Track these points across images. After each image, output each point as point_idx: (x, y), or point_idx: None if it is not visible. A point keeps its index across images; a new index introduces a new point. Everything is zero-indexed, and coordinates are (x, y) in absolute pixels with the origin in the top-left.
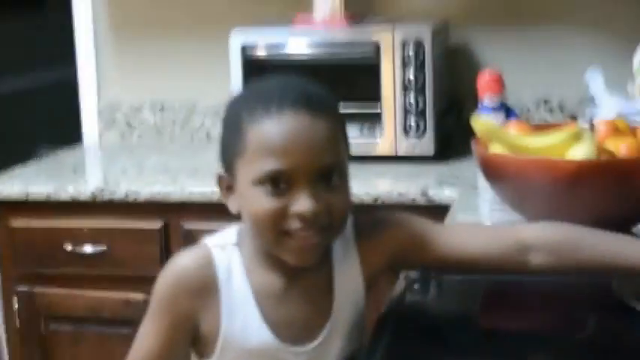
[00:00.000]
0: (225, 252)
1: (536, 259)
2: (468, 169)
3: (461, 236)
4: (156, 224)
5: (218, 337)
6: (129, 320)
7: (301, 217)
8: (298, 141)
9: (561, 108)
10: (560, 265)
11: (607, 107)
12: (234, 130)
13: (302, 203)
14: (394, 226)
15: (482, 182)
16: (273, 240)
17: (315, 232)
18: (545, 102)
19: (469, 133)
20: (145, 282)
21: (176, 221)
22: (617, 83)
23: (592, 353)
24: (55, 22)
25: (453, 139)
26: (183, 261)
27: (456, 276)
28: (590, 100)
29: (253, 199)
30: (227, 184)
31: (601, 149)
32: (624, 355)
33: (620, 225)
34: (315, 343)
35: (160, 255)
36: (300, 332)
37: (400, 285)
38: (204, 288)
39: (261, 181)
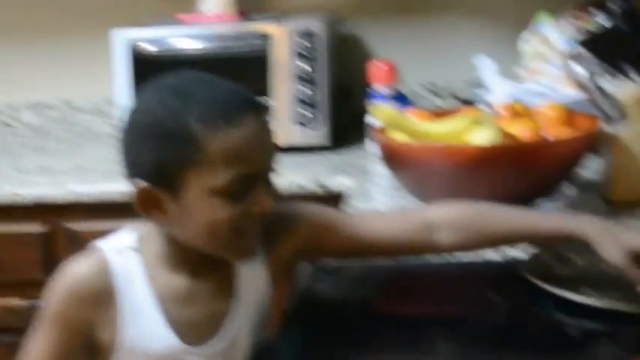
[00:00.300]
0: (123, 257)
1: (445, 238)
2: (362, 157)
3: (368, 222)
4: (38, 227)
5: (119, 346)
6: (12, 328)
7: (262, 216)
8: (258, 143)
9: (448, 92)
10: (469, 241)
11: (498, 91)
12: (179, 139)
13: (265, 202)
14: (299, 218)
15: (378, 169)
16: (226, 244)
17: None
18: (434, 87)
19: (360, 122)
20: (28, 288)
21: (60, 223)
22: (505, 67)
23: (500, 335)
24: None
25: (345, 129)
26: (76, 269)
27: (361, 263)
28: (480, 85)
29: (211, 209)
30: (151, 198)
31: (501, 133)
32: (533, 336)
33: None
34: (221, 341)
35: (44, 260)
36: (206, 333)
37: (305, 276)
38: (100, 297)
39: (226, 189)
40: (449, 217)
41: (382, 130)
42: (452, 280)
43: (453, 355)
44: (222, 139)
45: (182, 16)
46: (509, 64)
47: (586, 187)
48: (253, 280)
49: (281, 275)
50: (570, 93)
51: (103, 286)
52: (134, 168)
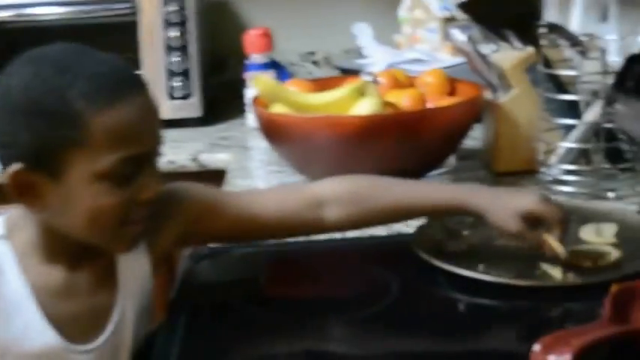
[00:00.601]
0: None
1: (332, 214)
2: (241, 131)
3: (252, 199)
4: None
5: None
6: None
7: (147, 203)
8: (144, 124)
9: (327, 61)
10: (358, 216)
11: (377, 59)
12: (60, 118)
13: (152, 187)
14: (181, 201)
15: (258, 144)
16: (110, 234)
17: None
18: (311, 55)
19: (236, 94)
20: None
21: None
22: (385, 35)
23: (393, 316)
24: None
25: (219, 101)
26: None
27: (246, 247)
28: (359, 54)
29: (95, 194)
30: (26, 181)
31: (384, 102)
32: (427, 315)
33: (408, 177)
34: (105, 336)
35: None
36: (88, 328)
37: (187, 262)
38: None
39: (111, 173)
40: (336, 191)
41: (261, 102)
42: (338, 259)
43: (346, 339)
44: (107, 118)
45: None
46: (389, 31)
47: (470, 156)
48: (135, 269)
49: (163, 263)
50: (449, 59)
51: None
52: (8, 149)
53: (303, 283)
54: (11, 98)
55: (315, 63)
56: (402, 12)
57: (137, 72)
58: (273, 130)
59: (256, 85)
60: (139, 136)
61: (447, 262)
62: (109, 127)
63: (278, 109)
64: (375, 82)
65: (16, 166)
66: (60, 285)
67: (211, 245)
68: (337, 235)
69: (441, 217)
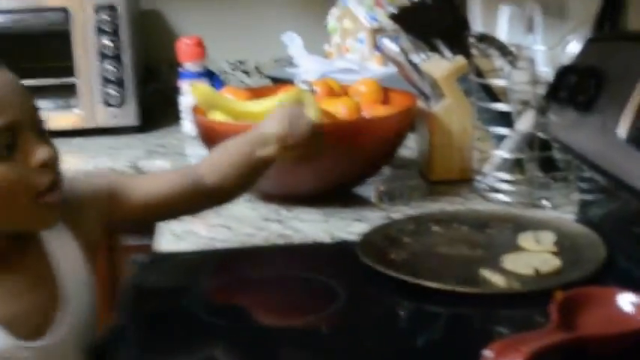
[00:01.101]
0: None
1: (209, 181)
2: (176, 138)
3: (148, 180)
4: None
5: None
6: None
7: (46, 165)
8: (8, 93)
9: (258, 70)
10: (225, 177)
11: (307, 68)
12: None
13: (42, 151)
14: (92, 188)
15: (194, 151)
16: (25, 207)
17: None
18: (241, 64)
19: (170, 102)
20: None
21: None
22: (314, 45)
23: (342, 322)
24: None
25: (154, 109)
26: None
27: (190, 253)
28: (289, 63)
29: None
30: None
31: (321, 112)
32: (376, 322)
33: (343, 187)
34: (53, 334)
35: None
36: (34, 326)
37: (132, 267)
38: None
39: None
40: (207, 161)
41: (200, 110)
42: (283, 264)
43: (292, 345)
44: None
45: None
46: (318, 41)
47: (405, 165)
48: (69, 260)
49: (95, 251)
50: (379, 69)
51: None
52: None
53: (247, 288)
54: None
55: (245, 72)
56: (331, 22)
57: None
58: (212, 138)
59: (194, 93)
60: (3, 106)
61: (391, 269)
62: None
63: (216, 116)
64: (311, 90)
65: None
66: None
67: (156, 251)
68: (280, 241)
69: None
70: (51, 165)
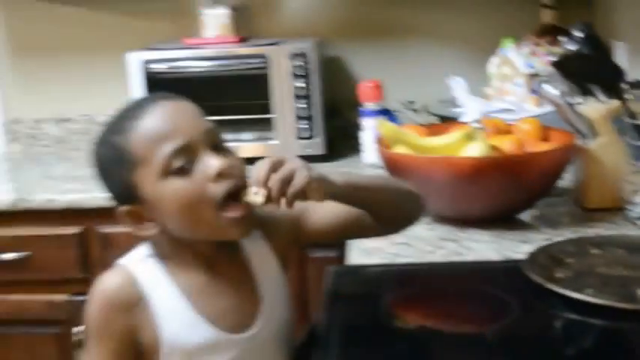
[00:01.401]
0: (144, 265)
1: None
2: (356, 167)
3: (326, 208)
4: (74, 229)
5: (160, 345)
6: (53, 320)
7: (220, 176)
8: (176, 118)
9: (425, 109)
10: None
11: (470, 108)
12: (116, 159)
13: (213, 163)
14: (287, 211)
15: None
16: (211, 218)
17: (240, 198)
18: (411, 104)
19: (348, 136)
20: (67, 284)
21: (92, 226)
22: (476, 88)
23: (518, 333)
24: None
25: (336, 142)
26: (105, 284)
27: (379, 266)
28: (453, 103)
29: (170, 191)
30: (135, 214)
31: (490, 146)
32: (547, 333)
33: (509, 212)
34: (255, 328)
35: (80, 258)
36: (237, 321)
37: (332, 276)
38: (133, 303)
39: (167, 169)
40: None
41: (384, 143)
42: (459, 279)
43: (471, 353)
44: (139, 133)
45: (188, 40)
46: (479, 84)
47: (561, 194)
48: (266, 266)
49: (287, 260)
50: (534, 109)
51: (132, 292)
52: (113, 198)
53: (427, 298)
54: (95, 166)
55: (414, 110)
56: (492, 68)
57: (168, 94)
58: (396, 168)
59: (381, 129)
60: (173, 130)
61: (558, 286)
62: (144, 137)
63: (399, 149)
64: (482, 128)
65: (122, 208)
66: (204, 286)
67: (348, 264)
68: (456, 258)
69: None
70: (226, 174)
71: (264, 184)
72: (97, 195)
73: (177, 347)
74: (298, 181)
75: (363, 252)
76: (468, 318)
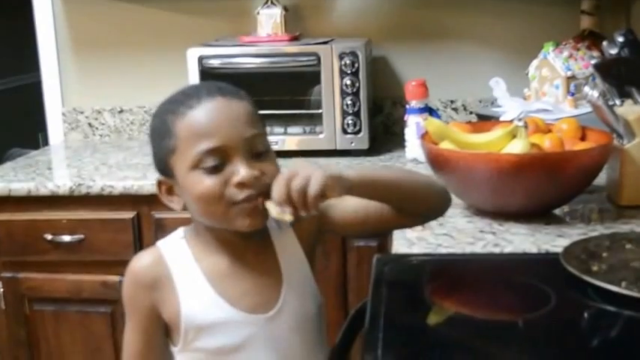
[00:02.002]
0: (174, 246)
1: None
2: (398, 161)
3: (345, 202)
4: (129, 214)
5: (180, 321)
6: (106, 300)
7: (242, 186)
8: (220, 119)
9: (464, 108)
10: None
11: (509, 108)
12: (163, 136)
13: (240, 173)
14: None
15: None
16: (222, 213)
17: (258, 195)
18: (451, 103)
19: (389, 131)
20: (120, 265)
21: (147, 211)
22: (516, 89)
23: (555, 323)
24: (18, 34)
25: (377, 137)
26: (136, 263)
27: (421, 255)
28: (490, 102)
29: (194, 183)
30: (167, 186)
31: (531, 144)
32: (584, 327)
33: (546, 207)
34: (275, 309)
35: (134, 241)
36: (257, 303)
37: (377, 265)
38: (158, 281)
39: (198, 164)
40: None
41: (429, 139)
42: (497, 271)
43: (509, 343)
44: (185, 121)
45: (243, 37)
46: (519, 85)
47: (596, 191)
48: (290, 251)
49: (312, 247)
50: (571, 110)
51: (158, 271)
52: (155, 166)
53: (468, 287)
54: (149, 130)
55: (454, 109)
56: (531, 70)
57: (231, 88)
58: (439, 162)
59: (427, 125)
60: (216, 131)
61: (594, 278)
62: (189, 128)
63: (445, 145)
64: (525, 126)
65: (158, 177)
66: (226, 269)
67: (396, 252)
68: (495, 250)
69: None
70: (249, 185)
71: (286, 200)
72: (151, 182)
73: (195, 324)
74: (314, 186)
75: (407, 242)
76: (506, 307)
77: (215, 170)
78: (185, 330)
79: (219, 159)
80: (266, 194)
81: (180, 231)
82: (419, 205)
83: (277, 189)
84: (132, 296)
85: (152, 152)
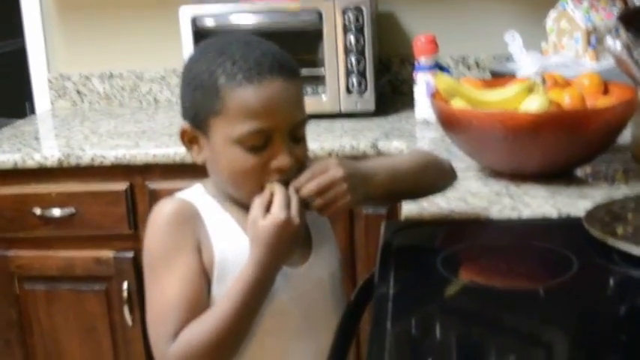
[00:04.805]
0: (199, 198)
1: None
2: (407, 122)
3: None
4: (122, 185)
5: (213, 267)
6: (100, 277)
7: (280, 171)
8: (277, 103)
9: (477, 65)
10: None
11: (526, 63)
12: (208, 90)
13: (281, 159)
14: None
15: (425, 134)
16: (251, 191)
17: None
18: (463, 59)
19: (397, 91)
20: (114, 240)
21: (141, 182)
22: (533, 43)
23: (576, 294)
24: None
25: (385, 97)
26: (166, 206)
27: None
28: (505, 58)
29: (233, 156)
30: (191, 136)
31: (550, 101)
32: (609, 292)
33: (567, 168)
34: (305, 265)
35: (127, 214)
36: (299, 257)
37: (388, 232)
38: (195, 218)
39: (242, 140)
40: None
41: (440, 97)
42: (516, 236)
43: (530, 309)
44: (241, 95)
45: None
46: (536, 39)
47: (620, 150)
48: (319, 219)
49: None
50: (591, 64)
51: (193, 212)
52: (183, 110)
53: (483, 253)
54: (185, 72)
55: (466, 66)
56: (549, 23)
57: (289, 62)
58: (452, 122)
59: (437, 82)
60: (267, 114)
61: (619, 242)
62: (241, 103)
63: (456, 103)
64: (542, 82)
65: (185, 124)
66: None
67: (406, 218)
68: (512, 214)
69: None
70: (285, 171)
71: (304, 194)
72: (144, 151)
73: (227, 271)
74: (332, 195)
75: (418, 207)
76: (524, 275)
77: (257, 150)
78: (218, 277)
79: (263, 140)
80: (289, 180)
81: (199, 187)
82: (432, 191)
83: (301, 180)
84: (173, 238)
85: (183, 94)
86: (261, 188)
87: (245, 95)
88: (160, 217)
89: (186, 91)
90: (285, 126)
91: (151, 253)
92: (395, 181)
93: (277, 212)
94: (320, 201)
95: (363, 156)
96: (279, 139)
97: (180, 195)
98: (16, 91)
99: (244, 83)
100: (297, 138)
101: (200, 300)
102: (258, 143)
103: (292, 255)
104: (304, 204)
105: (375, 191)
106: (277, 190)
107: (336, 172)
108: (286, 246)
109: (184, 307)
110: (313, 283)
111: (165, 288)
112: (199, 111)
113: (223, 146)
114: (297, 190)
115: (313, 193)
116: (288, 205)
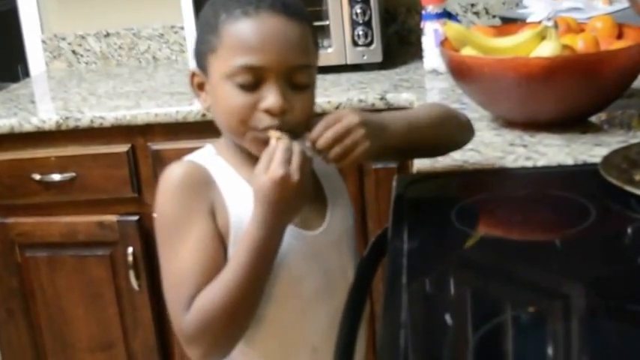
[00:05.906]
0: (211, 160)
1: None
2: (416, 74)
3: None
4: (123, 147)
5: (229, 231)
6: (104, 242)
7: (269, 112)
8: (271, 40)
9: (486, 11)
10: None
11: (536, 8)
12: (209, 29)
13: (271, 99)
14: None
15: (435, 85)
16: (240, 133)
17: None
18: (472, 6)
19: (404, 41)
20: (117, 203)
21: (142, 143)
22: None
23: (597, 247)
24: None
25: (392, 48)
26: (177, 170)
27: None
28: (514, 3)
29: (224, 93)
30: (199, 81)
31: (563, 46)
32: (628, 239)
33: (582, 115)
34: (321, 228)
35: (130, 177)
36: (305, 219)
37: (399, 185)
38: (209, 182)
39: (233, 75)
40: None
41: (449, 45)
42: (532, 185)
43: (546, 260)
44: (236, 28)
45: None
46: None
47: (635, 95)
48: (333, 178)
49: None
50: (605, 7)
51: (206, 176)
52: (194, 55)
53: (499, 204)
54: (199, 16)
55: (475, 13)
56: None
57: (298, 5)
58: (463, 71)
59: (447, 30)
60: (261, 50)
61: (638, 188)
62: (235, 36)
63: (467, 52)
64: (555, 27)
65: (192, 67)
66: None
67: (418, 171)
68: (527, 164)
69: None
70: (274, 113)
71: (321, 144)
72: (145, 111)
73: (242, 235)
74: (349, 143)
75: (431, 160)
76: (541, 225)
77: (248, 88)
78: (234, 240)
79: (254, 78)
80: (288, 130)
81: (209, 147)
82: (451, 147)
83: (316, 131)
84: (184, 205)
85: (196, 38)
86: (265, 142)
87: (239, 29)
88: (170, 182)
89: (197, 30)
90: (278, 66)
91: (162, 221)
92: (413, 131)
93: (275, 168)
94: (337, 149)
95: (373, 109)
96: (271, 79)
97: (190, 157)
98: (8, 53)
99: (241, 17)
100: (297, 85)
101: (216, 264)
102: (249, 80)
103: (298, 212)
104: (323, 157)
105: (393, 141)
106: (279, 144)
107: (352, 118)
108: (287, 203)
109: (199, 272)
110: (331, 243)
111: (180, 255)
112: (200, 51)
113: (218, 83)
114: (314, 143)
115: (330, 143)
116: (288, 160)
